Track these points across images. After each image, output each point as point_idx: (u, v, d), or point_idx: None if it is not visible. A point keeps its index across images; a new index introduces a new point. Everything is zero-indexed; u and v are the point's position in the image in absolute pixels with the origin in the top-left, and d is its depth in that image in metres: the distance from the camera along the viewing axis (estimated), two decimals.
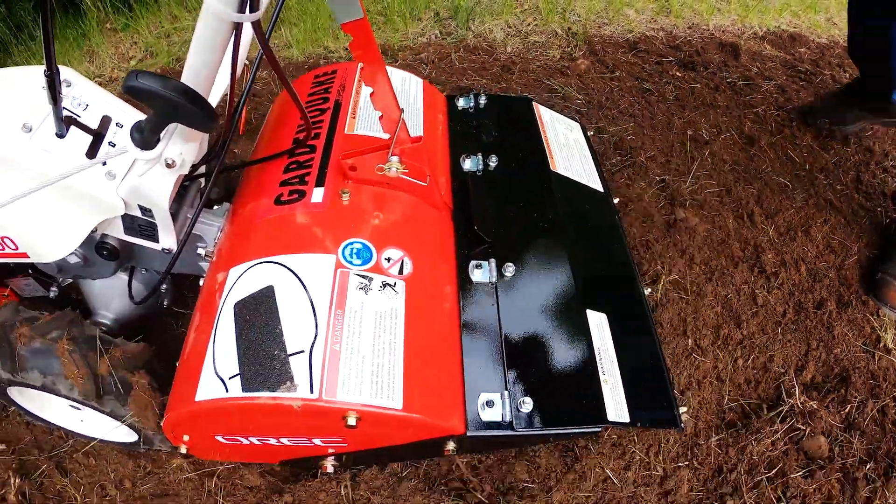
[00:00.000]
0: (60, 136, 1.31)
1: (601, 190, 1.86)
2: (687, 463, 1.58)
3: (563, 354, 1.36)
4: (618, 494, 1.52)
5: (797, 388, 1.70)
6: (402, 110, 1.43)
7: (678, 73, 2.88)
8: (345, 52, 3.10)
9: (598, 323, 1.45)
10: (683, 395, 1.70)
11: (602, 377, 1.34)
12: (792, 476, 1.54)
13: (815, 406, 1.65)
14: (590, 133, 2.33)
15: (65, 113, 1.30)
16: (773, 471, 1.55)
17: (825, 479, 1.53)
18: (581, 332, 1.40)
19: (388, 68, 1.67)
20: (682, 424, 1.42)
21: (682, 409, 1.55)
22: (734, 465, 1.57)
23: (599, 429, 1.30)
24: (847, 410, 1.66)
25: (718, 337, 1.85)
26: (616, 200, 1.94)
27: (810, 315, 1.92)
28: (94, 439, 1.61)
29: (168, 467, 1.61)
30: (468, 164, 1.72)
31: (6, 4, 3.51)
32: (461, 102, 1.97)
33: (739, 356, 1.80)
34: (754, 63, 2.96)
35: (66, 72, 1.38)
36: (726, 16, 3.36)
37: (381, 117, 1.44)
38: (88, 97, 1.39)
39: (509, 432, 1.23)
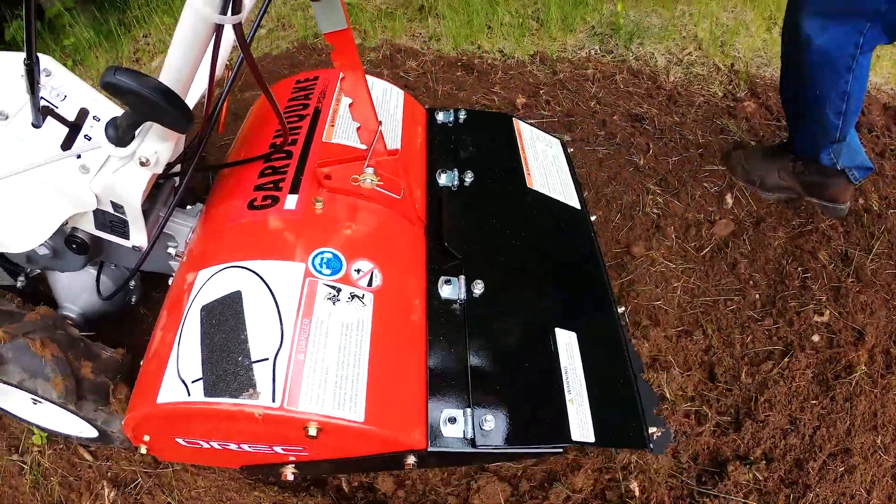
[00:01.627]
0: (36, 126, 1.30)
1: (578, 207, 1.87)
2: None
3: (528, 373, 1.36)
4: None
5: None
6: (380, 123, 1.43)
7: None
8: (500, 55, 3.06)
9: (566, 342, 1.45)
10: (869, 495, 1.64)
11: (568, 396, 1.34)
12: None
13: None
14: None
15: (42, 103, 1.30)
16: None
17: None
18: (548, 351, 1.41)
19: (370, 79, 1.67)
20: (653, 445, 1.41)
21: (653, 430, 1.54)
22: None
23: (561, 450, 1.31)
24: None
25: None
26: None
27: None
28: (45, 429, 1.59)
29: (299, 496, 1.53)
30: (444, 179, 1.73)
31: None
32: (441, 117, 1.97)
33: None
34: None
35: (45, 61, 1.37)
36: (878, 73, 3.04)
37: (358, 128, 1.44)
38: (67, 88, 1.38)
39: (470, 449, 1.23)
